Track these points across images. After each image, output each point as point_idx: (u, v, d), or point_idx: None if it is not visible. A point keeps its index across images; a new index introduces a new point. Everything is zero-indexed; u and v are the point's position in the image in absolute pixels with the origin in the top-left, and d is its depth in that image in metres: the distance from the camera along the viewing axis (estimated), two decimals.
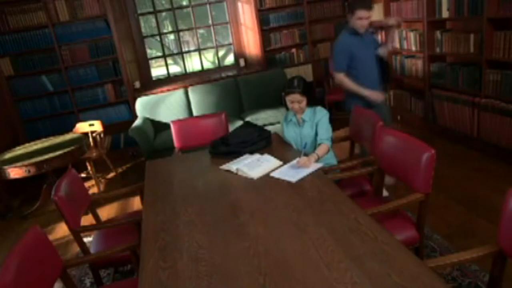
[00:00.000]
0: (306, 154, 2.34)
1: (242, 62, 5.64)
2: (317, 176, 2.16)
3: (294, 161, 2.31)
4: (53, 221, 3.68)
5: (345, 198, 1.87)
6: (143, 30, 5.42)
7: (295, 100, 2.57)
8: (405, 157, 2.03)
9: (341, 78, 3.02)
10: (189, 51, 5.87)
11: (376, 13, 4.95)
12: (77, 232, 2.15)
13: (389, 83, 3.44)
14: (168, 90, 5.01)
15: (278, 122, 4.65)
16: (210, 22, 5.60)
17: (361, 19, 2.90)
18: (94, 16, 4.81)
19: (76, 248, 3.07)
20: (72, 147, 3.72)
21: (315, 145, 2.57)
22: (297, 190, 2.03)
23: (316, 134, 2.59)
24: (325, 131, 2.56)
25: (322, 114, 2.59)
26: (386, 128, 2.32)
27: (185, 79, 5.51)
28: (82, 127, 4.54)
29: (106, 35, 4.84)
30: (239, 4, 5.46)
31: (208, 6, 5.51)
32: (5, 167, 3.46)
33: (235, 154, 2.57)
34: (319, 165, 2.29)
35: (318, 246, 1.52)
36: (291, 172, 2.22)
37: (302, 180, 2.12)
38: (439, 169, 2.11)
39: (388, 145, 2.21)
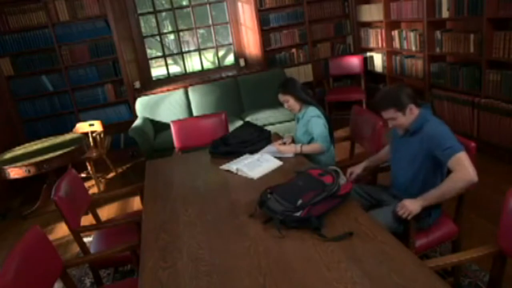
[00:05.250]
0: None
1: (242, 62, 5.64)
2: None
3: (274, 147, 2.53)
4: (53, 221, 3.68)
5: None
6: (143, 30, 5.42)
7: (281, 100, 2.68)
8: None
9: None
10: (189, 51, 5.87)
11: (376, 13, 4.96)
12: (77, 232, 2.15)
13: None
14: (168, 90, 5.00)
15: (278, 122, 4.65)
16: (210, 22, 5.60)
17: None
18: (94, 16, 4.81)
19: (76, 248, 3.07)
20: (72, 147, 3.71)
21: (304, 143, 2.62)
22: None
23: (307, 133, 2.61)
24: (316, 131, 2.54)
25: (311, 114, 2.59)
26: None
27: (185, 79, 5.51)
28: (82, 127, 4.54)
29: (106, 35, 4.83)
30: (239, 4, 5.46)
31: (208, 6, 5.50)
32: (5, 167, 3.46)
33: (235, 154, 2.57)
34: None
35: (318, 246, 1.52)
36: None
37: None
38: None
39: None
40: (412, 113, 1.97)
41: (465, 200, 2.01)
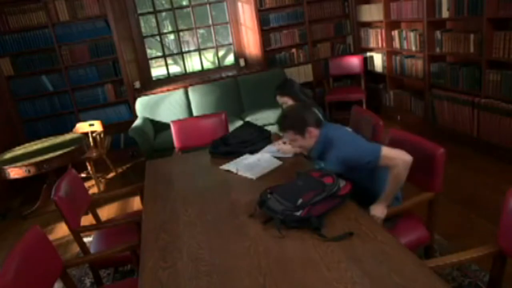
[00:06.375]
0: None
1: (242, 62, 5.64)
2: None
3: (274, 147, 2.49)
4: (53, 221, 3.68)
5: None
6: (143, 30, 5.42)
7: (279, 101, 2.66)
8: (415, 157, 2.02)
9: None
10: (189, 51, 5.87)
11: (376, 13, 4.96)
12: (77, 232, 2.15)
13: None
14: (168, 90, 5.00)
15: None
16: (210, 22, 5.60)
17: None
18: (94, 16, 4.81)
19: (76, 248, 3.07)
20: (72, 147, 3.71)
21: None
22: None
23: None
24: None
25: None
26: (394, 129, 2.30)
27: (185, 79, 5.51)
28: (82, 127, 4.54)
29: (106, 35, 4.83)
30: (239, 4, 5.46)
31: (208, 6, 5.50)
32: (5, 167, 3.46)
33: (235, 154, 2.57)
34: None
35: (318, 246, 1.52)
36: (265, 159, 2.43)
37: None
38: None
39: (395, 146, 2.19)
40: (312, 136, 1.97)
41: (435, 208, 1.98)
